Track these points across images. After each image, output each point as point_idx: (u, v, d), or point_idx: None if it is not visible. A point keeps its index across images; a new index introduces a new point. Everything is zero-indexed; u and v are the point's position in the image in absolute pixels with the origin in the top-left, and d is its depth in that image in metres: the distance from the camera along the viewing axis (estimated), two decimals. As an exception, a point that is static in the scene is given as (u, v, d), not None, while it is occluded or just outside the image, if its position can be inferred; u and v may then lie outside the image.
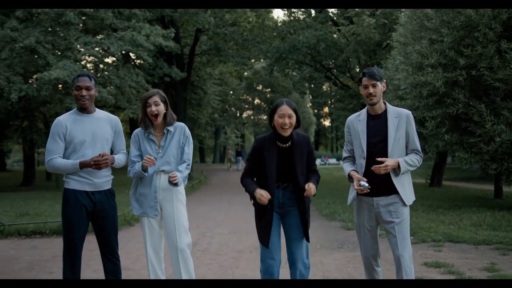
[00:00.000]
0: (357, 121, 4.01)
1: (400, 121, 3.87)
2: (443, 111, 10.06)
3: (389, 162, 3.78)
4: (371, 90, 3.85)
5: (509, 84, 9.26)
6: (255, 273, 5.56)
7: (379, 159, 3.79)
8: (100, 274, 5.16)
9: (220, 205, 13.18)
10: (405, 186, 3.88)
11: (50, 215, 10.16)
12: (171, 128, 4.16)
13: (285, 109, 3.77)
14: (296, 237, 3.90)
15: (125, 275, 5.59)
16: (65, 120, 3.94)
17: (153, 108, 4.04)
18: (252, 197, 3.81)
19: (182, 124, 4.24)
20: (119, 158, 4.09)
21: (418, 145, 3.94)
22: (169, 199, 4.13)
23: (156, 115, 4.06)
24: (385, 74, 12.45)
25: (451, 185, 19.03)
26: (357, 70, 25.43)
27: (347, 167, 4.06)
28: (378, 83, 3.87)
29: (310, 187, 3.76)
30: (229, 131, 57.06)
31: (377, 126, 3.92)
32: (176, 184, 3.97)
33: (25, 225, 8.81)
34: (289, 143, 3.87)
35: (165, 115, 4.13)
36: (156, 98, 4.08)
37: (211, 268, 5.94)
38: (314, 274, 5.48)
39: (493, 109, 9.65)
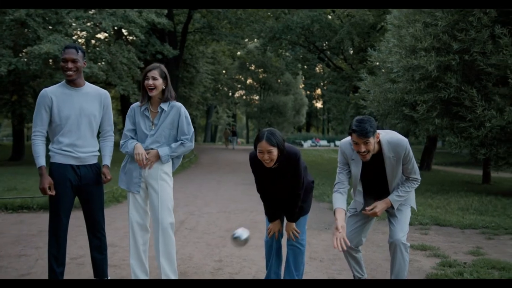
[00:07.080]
0: (351, 160, 3.73)
1: (398, 158, 3.64)
2: (434, 95, 10.07)
3: (378, 207, 3.72)
4: (363, 148, 3.49)
5: (501, 69, 9.27)
6: (241, 253, 5.57)
7: (367, 208, 3.75)
8: (86, 250, 5.15)
9: (209, 185, 13.16)
10: (410, 199, 3.91)
11: (38, 190, 10.06)
12: (165, 107, 4.05)
13: (264, 145, 3.59)
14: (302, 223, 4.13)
15: (112, 251, 5.58)
16: (51, 92, 3.86)
17: (150, 81, 3.98)
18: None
19: (179, 104, 4.13)
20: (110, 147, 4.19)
21: (413, 173, 3.76)
22: (154, 177, 4.07)
23: (152, 89, 4.00)
24: (378, 57, 12.40)
25: (440, 169, 19.13)
26: (351, 52, 25.37)
27: (336, 201, 3.73)
28: (371, 138, 3.47)
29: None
30: (221, 110, 57.03)
31: (374, 168, 3.70)
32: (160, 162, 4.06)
33: (12, 199, 8.76)
34: (276, 164, 3.75)
35: (163, 91, 4.06)
36: (155, 73, 4.00)
37: (198, 247, 5.93)
38: (301, 254, 5.49)
39: (484, 94, 9.67)
